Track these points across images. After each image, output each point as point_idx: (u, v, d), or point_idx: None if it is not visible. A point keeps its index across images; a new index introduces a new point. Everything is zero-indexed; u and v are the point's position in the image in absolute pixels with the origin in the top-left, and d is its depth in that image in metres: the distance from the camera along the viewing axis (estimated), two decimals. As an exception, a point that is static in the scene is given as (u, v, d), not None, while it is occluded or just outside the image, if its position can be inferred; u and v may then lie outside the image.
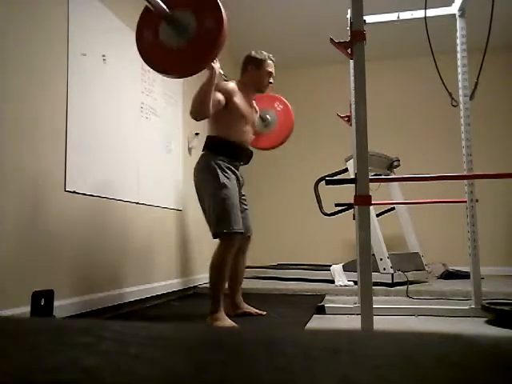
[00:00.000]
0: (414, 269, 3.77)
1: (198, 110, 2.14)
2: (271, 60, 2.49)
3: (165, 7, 1.82)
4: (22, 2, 2.00)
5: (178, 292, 3.36)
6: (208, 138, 2.41)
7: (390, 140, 4.76)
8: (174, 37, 1.85)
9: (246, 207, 2.49)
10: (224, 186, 2.24)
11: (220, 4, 1.82)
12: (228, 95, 2.31)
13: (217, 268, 2.23)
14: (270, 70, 2.47)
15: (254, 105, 2.59)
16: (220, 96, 2.26)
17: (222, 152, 2.33)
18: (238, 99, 2.37)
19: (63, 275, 2.16)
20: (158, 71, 1.95)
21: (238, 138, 2.37)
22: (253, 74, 2.46)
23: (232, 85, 2.38)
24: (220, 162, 2.29)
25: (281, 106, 2.96)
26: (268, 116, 2.92)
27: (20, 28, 1.98)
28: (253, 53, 2.50)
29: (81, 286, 2.28)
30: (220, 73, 2.23)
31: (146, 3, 1.81)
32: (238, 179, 2.38)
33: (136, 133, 2.92)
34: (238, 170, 2.41)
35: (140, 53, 1.94)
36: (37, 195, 2.03)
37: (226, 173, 2.29)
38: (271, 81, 2.50)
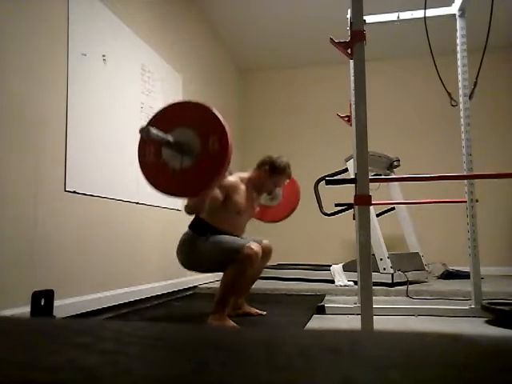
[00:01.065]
0: (414, 269, 3.77)
1: (193, 210, 2.12)
2: (288, 176, 2.45)
3: (169, 138, 1.72)
4: (22, 2, 2.00)
5: (178, 292, 3.36)
6: (198, 220, 2.32)
7: (390, 140, 4.77)
8: (178, 157, 1.75)
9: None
10: (208, 238, 2.21)
11: (224, 122, 1.72)
12: (228, 192, 2.26)
13: (234, 281, 2.16)
14: (279, 183, 2.44)
15: (254, 198, 2.49)
16: (219, 194, 2.20)
17: (211, 235, 2.26)
18: (239, 195, 2.31)
19: (63, 275, 2.16)
20: (161, 192, 1.81)
21: (231, 229, 2.32)
22: (262, 176, 2.41)
23: (233, 180, 2.32)
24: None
25: (287, 180, 2.95)
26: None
27: (20, 28, 1.98)
28: (275, 158, 2.41)
29: (81, 286, 2.28)
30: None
31: (145, 137, 1.72)
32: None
33: (136, 133, 2.91)
34: None
35: (142, 171, 1.83)
36: (37, 195, 2.03)
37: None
38: (273, 190, 2.48)
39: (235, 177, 2.37)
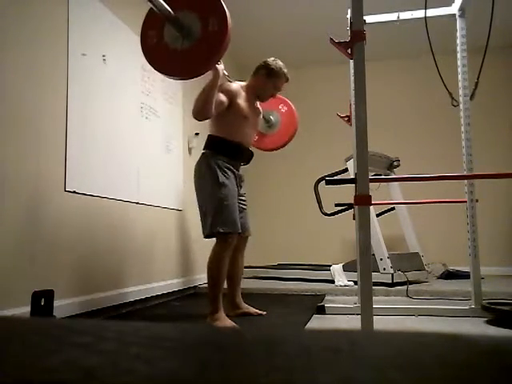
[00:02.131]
0: (414, 269, 3.77)
1: (201, 111, 2.13)
2: (285, 77, 2.45)
3: (169, 9, 1.81)
4: (22, 2, 2.00)
5: (178, 292, 3.36)
6: (209, 137, 2.40)
7: (390, 140, 4.77)
8: (179, 39, 1.84)
9: (244, 207, 2.48)
10: (223, 186, 2.24)
11: (225, 7, 1.81)
12: (231, 96, 2.29)
13: (214, 268, 2.23)
14: (278, 84, 2.44)
15: (258, 106, 2.57)
16: (223, 97, 2.24)
17: (223, 152, 2.32)
18: (242, 100, 2.35)
19: (63, 275, 2.16)
20: (162, 73, 1.93)
21: (240, 138, 2.36)
22: (260, 80, 2.43)
23: (235, 86, 2.37)
24: (220, 162, 2.29)
25: (285, 108, 2.95)
26: (271, 117, 2.91)
27: (20, 28, 1.98)
28: (270, 60, 2.44)
29: (81, 286, 2.28)
30: (224, 74, 2.23)
31: (150, 5, 1.80)
32: (237, 179, 2.38)
33: (136, 133, 2.92)
34: (238, 170, 2.41)
35: (144, 54, 1.93)
36: (37, 195, 2.03)
37: (226, 173, 2.29)
38: (275, 95, 2.48)
39: (236, 84, 2.39)
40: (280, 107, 2.92)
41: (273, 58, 2.46)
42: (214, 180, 2.24)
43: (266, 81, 2.42)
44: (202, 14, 1.82)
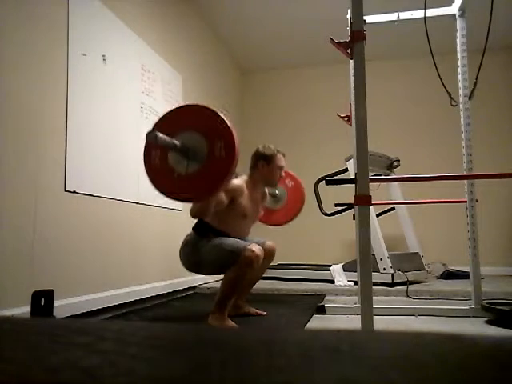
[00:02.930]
0: (414, 269, 3.77)
1: (198, 215, 2.11)
2: (280, 153, 2.45)
3: (174, 142, 1.71)
4: (22, 2, 2.00)
5: (178, 292, 3.36)
6: (202, 222, 2.31)
7: (390, 140, 4.77)
8: (184, 163, 1.74)
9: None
10: (209, 240, 2.22)
11: (233, 132, 1.70)
12: (233, 196, 2.25)
13: (234, 283, 2.15)
14: (280, 164, 2.43)
15: (259, 200, 2.51)
16: (224, 197, 2.18)
17: (214, 237, 2.26)
18: (243, 199, 2.31)
19: (63, 275, 2.16)
20: (167, 196, 1.81)
21: (236, 232, 2.32)
22: (263, 171, 2.41)
23: (239, 184, 2.30)
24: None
25: (292, 183, 2.91)
26: (277, 191, 2.89)
27: (20, 28, 1.98)
28: (261, 148, 2.43)
29: (81, 286, 2.29)
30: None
31: (152, 142, 1.70)
32: None
33: (136, 133, 2.92)
34: None
35: (148, 175, 1.81)
36: (37, 195, 2.03)
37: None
38: (283, 174, 2.47)
39: (240, 180, 2.36)
40: (287, 182, 2.88)
41: (261, 146, 2.45)
42: (207, 248, 2.22)
43: (269, 168, 2.41)
44: (209, 137, 1.71)
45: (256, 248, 2.13)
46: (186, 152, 1.73)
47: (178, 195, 1.80)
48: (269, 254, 2.43)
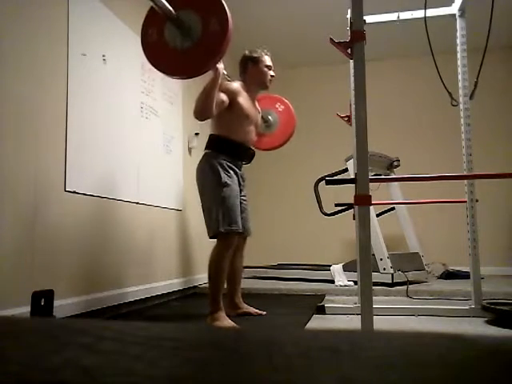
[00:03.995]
0: (414, 269, 3.77)
1: (202, 110, 2.13)
2: (267, 54, 2.51)
3: (170, 8, 1.80)
4: (22, 2, 2.00)
5: (178, 292, 3.36)
6: (210, 136, 2.41)
7: (390, 140, 4.76)
8: (179, 38, 1.84)
9: (245, 207, 2.49)
10: (225, 185, 2.24)
11: (225, 6, 1.81)
12: (232, 95, 2.31)
13: (215, 268, 2.23)
14: (268, 63, 2.50)
15: (257, 105, 2.59)
16: (224, 96, 2.25)
17: (225, 151, 2.33)
18: (242, 99, 2.37)
19: (63, 275, 2.16)
20: (161, 71, 1.93)
21: (241, 137, 2.37)
22: (253, 72, 2.47)
23: (236, 85, 2.39)
24: (222, 161, 2.29)
25: (282, 107, 2.95)
26: (270, 117, 2.92)
27: (20, 28, 1.98)
28: (247, 52, 2.52)
29: (81, 286, 2.28)
30: (223, 73, 2.23)
31: (152, 4, 1.80)
32: (239, 179, 2.38)
33: (136, 133, 2.92)
34: (240, 169, 2.41)
35: (144, 52, 1.92)
36: (37, 195, 2.03)
37: (228, 172, 2.29)
38: (272, 74, 2.51)
39: (236, 83, 2.42)
40: (277, 106, 2.93)
41: (247, 50, 2.53)
42: (217, 180, 2.25)
43: (258, 68, 2.47)
44: (204, 14, 1.81)
45: (233, 240, 2.25)
46: (181, 26, 1.82)
47: (174, 70, 1.92)
48: (244, 239, 2.52)
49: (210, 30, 1.80)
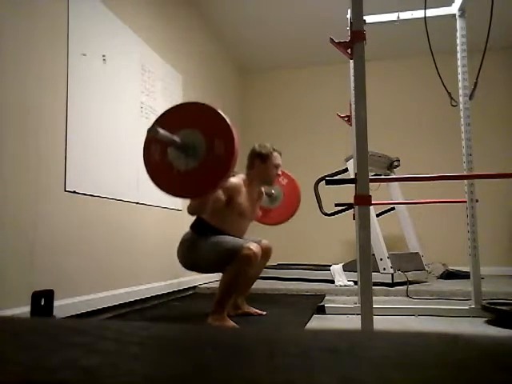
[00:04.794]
0: (414, 269, 3.77)
1: (195, 211, 2.11)
2: (276, 151, 2.45)
3: (173, 138, 1.72)
4: (22, 2, 2.00)
5: (178, 292, 3.36)
6: (199, 220, 2.34)
7: (390, 140, 4.77)
8: (183, 159, 1.75)
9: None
10: (213, 238, 2.22)
11: (233, 130, 1.71)
12: (231, 194, 2.26)
13: (235, 279, 2.15)
14: (276, 162, 2.44)
15: (262, 189, 2.56)
16: (221, 195, 2.20)
17: (211, 236, 2.27)
18: (241, 197, 2.32)
19: (63, 275, 2.16)
20: (166, 193, 1.81)
21: (233, 231, 2.33)
22: (260, 169, 2.42)
23: (237, 181, 2.32)
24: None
25: (285, 180, 2.91)
26: (273, 191, 2.89)
27: (20, 28, 1.98)
28: (257, 147, 2.44)
29: (81, 286, 2.28)
30: None
31: (153, 135, 1.71)
32: None
33: (136, 133, 2.92)
34: None
35: (147, 170, 1.83)
36: (37, 195, 2.03)
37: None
38: (279, 173, 2.47)
39: (238, 178, 2.37)
40: (280, 180, 2.90)
41: (257, 145, 2.46)
42: (203, 240, 2.23)
43: (265, 166, 2.42)
44: (208, 136, 1.72)
45: (254, 246, 2.14)
46: (185, 148, 1.75)
47: (176, 191, 1.82)
48: (265, 252, 2.44)
49: (215, 152, 1.70)
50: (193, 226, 2.36)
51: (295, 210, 2.90)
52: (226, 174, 1.72)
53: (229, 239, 2.21)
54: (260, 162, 2.42)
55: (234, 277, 2.14)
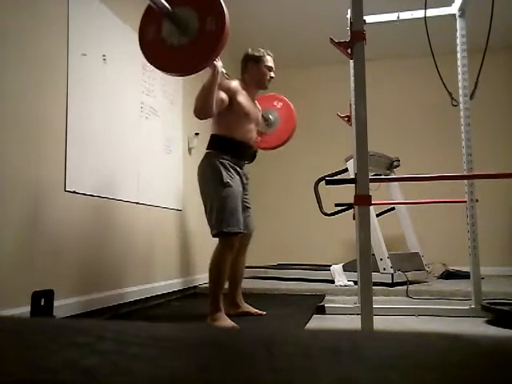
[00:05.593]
0: (414, 269, 3.77)
1: (202, 109, 2.13)
2: (269, 55, 2.51)
3: (167, 5, 1.81)
4: (22, 2, 2.00)
5: (178, 292, 3.36)
6: (212, 136, 2.40)
7: (390, 140, 4.76)
8: (176, 34, 1.84)
9: (248, 206, 2.49)
10: (227, 185, 2.24)
11: (222, 3, 1.81)
12: (231, 94, 2.31)
13: (216, 268, 2.23)
14: (269, 64, 2.49)
15: (257, 104, 2.59)
16: (223, 95, 2.25)
17: (227, 150, 2.33)
18: (242, 97, 2.37)
19: (63, 275, 2.16)
20: (158, 68, 1.94)
21: (242, 136, 2.37)
22: (253, 72, 2.47)
23: (235, 83, 2.38)
24: (224, 161, 2.29)
25: (280, 104, 2.96)
26: (270, 115, 2.92)
27: (20, 28, 1.98)
28: (250, 50, 2.51)
29: (81, 286, 2.28)
30: (222, 72, 2.23)
31: (149, 1, 1.81)
32: (241, 178, 2.38)
33: (136, 133, 2.92)
34: (242, 168, 2.41)
35: (142, 49, 1.93)
36: (37, 195, 2.03)
37: (230, 172, 2.29)
38: (272, 75, 2.51)
39: (235, 81, 2.42)
40: (275, 104, 2.93)
41: (250, 48, 2.52)
42: (218, 180, 2.25)
43: (258, 68, 2.47)
44: (201, 12, 1.82)
45: (235, 241, 2.25)
46: (178, 23, 1.83)
47: (170, 67, 1.92)
48: (248, 237, 2.51)
49: (208, 26, 1.80)
50: (209, 146, 2.40)
51: (291, 135, 2.93)
52: (216, 49, 1.81)
53: (232, 206, 2.24)
54: (253, 64, 2.47)
55: (218, 260, 2.24)
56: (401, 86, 5.30)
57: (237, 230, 2.23)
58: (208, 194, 2.30)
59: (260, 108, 2.64)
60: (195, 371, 0.27)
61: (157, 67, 1.93)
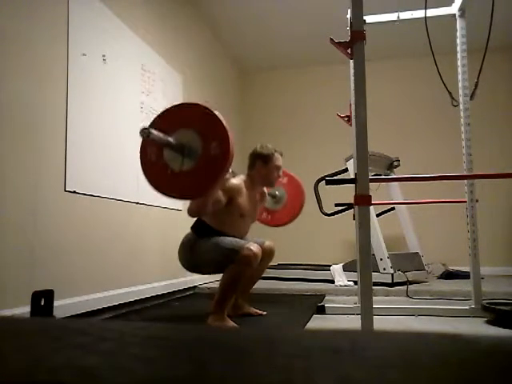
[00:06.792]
0: (414, 269, 3.77)
1: (196, 213, 2.10)
2: (278, 153, 2.45)
3: (168, 139, 1.73)
4: (22, 2, 2.00)
5: (178, 292, 3.36)
6: (200, 222, 2.33)
7: (390, 140, 4.77)
8: (179, 159, 1.76)
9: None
10: (212, 240, 2.21)
11: (228, 131, 1.71)
12: (231, 195, 2.25)
13: (233, 280, 2.15)
14: (277, 164, 2.43)
15: (264, 190, 2.55)
16: (222, 197, 2.19)
17: (212, 237, 2.26)
18: (242, 198, 2.31)
19: (63, 275, 2.16)
20: (161, 193, 1.81)
21: (234, 232, 2.31)
22: (261, 170, 2.41)
23: (238, 183, 2.31)
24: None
25: (285, 178, 2.90)
26: (276, 192, 2.88)
27: (20, 28, 1.98)
28: (259, 148, 2.44)
29: (81, 286, 2.28)
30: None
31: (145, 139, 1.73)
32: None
33: (136, 133, 2.91)
34: None
35: (143, 172, 1.84)
36: (37, 195, 2.03)
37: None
38: (280, 174, 2.47)
39: (239, 179, 2.36)
40: (285, 182, 2.87)
41: (259, 145, 2.45)
42: (202, 243, 2.22)
43: (267, 168, 2.41)
44: (204, 137, 1.73)
45: (254, 247, 2.14)
46: (181, 149, 1.75)
47: (172, 192, 1.82)
48: (268, 253, 2.43)
49: (211, 154, 1.70)
50: (193, 228, 2.36)
51: (298, 212, 2.88)
52: (220, 176, 1.72)
53: (229, 240, 2.20)
54: (261, 163, 2.41)
55: (234, 277, 2.14)
56: (401, 86, 5.30)
57: (242, 245, 2.15)
58: (203, 258, 2.22)
59: (266, 192, 2.60)
60: (195, 371, 0.27)
61: (160, 192, 1.80)
